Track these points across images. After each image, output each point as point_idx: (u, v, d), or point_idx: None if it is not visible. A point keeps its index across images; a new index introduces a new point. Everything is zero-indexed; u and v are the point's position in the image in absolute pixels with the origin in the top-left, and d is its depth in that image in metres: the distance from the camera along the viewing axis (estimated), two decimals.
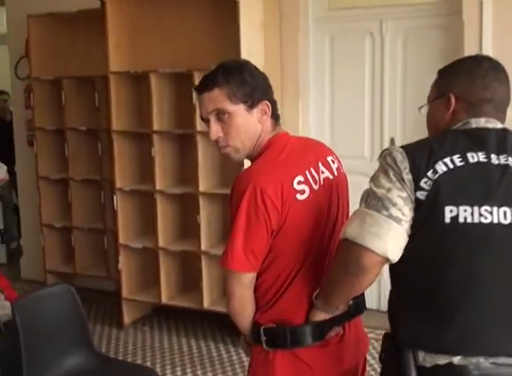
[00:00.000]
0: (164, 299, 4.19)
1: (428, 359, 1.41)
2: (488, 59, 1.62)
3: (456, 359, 1.39)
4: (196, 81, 3.78)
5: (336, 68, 4.29)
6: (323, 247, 1.69)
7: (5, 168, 4.47)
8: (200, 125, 3.90)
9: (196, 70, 3.86)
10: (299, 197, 1.63)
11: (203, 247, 3.96)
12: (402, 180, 1.44)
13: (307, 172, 1.68)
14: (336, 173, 1.77)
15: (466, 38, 3.78)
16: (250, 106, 1.70)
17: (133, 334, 4.25)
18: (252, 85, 1.70)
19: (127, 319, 4.37)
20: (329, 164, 1.76)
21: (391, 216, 1.41)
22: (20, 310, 2.48)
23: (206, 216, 3.97)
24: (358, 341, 1.79)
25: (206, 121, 1.73)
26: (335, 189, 1.74)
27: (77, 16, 4.52)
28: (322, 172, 1.73)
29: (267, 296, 1.68)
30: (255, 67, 1.78)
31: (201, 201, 3.93)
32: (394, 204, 1.42)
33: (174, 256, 4.22)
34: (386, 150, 1.54)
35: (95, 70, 4.47)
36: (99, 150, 4.66)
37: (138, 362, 3.81)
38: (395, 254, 1.41)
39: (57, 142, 4.89)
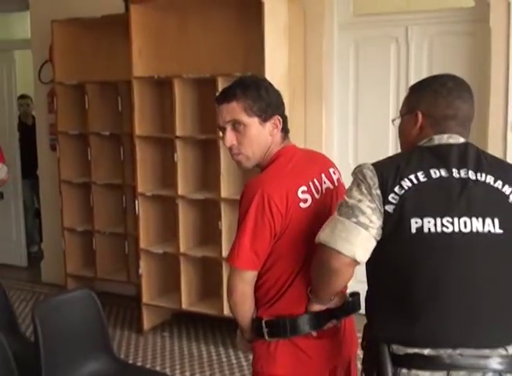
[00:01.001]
0: (185, 305, 4.17)
1: (401, 349, 1.58)
2: (453, 78, 1.75)
3: (426, 351, 1.55)
4: (220, 87, 3.84)
5: (360, 74, 4.26)
6: None
7: (5, 168, 4.50)
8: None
9: (220, 76, 3.85)
10: (302, 205, 1.80)
11: (224, 253, 3.93)
12: (371, 194, 1.60)
13: (310, 183, 1.85)
14: (336, 183, 1.95)
15: (493, 45, 3.73)
16: (264, 120, 1.87)
17: (152, 340, 4.23)
18: (267, 101, 1.86)
19: (147, 324, 4.36)
20: (330, 175, 1.94)
21: (359, 223, 1.57)
22: (40, 314, 2.47)
23: (227, 222, 3.94)
24: (351, 338, 1.96)
25: (222, 129, 1.91)
26: (335, 198, 1.89)
27: (101, 21, 4.54)
28: (325, 182, 1.90)
29: (269, 294, 1.84)
30: (270, 84, 1.95)
31: (223, 207, 3.91)
32: (364, 213, 1.58)
33: (195, 262, 4.20)
34: (358, 166, 1.68)
35: (119, 75, 4.48)
36: (122, 154, 4.66)
37: (157, 368, 3.80)
38: (363, 256, 1.58)
39: (80, 147, 4.90)
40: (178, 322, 4.49)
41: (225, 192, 3.90)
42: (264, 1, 3.61)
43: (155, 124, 4.33)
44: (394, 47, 4.14)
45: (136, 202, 4.26)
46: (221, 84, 3.84)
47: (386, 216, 1.58)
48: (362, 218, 1.57)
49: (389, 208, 1.58)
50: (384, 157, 1.72)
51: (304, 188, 1.82)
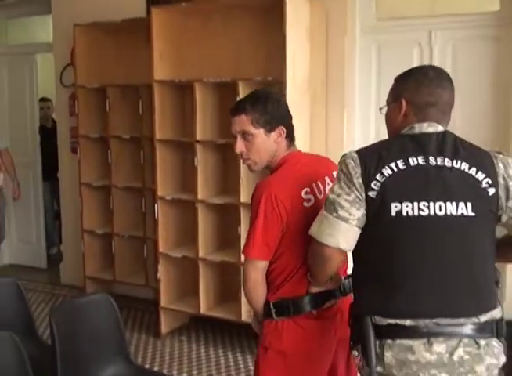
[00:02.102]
0: (203, 310, 4.15)
1: (382, 320, 1.74)
2: (434, 68, 1.91)
3: (407, 322, 1.71)
4: (241, 91, 3.83)
5: (383, 79, 4.20)
6: None
7: (1, 176, 4.54)
8: None
9: (241, 80, 3.83)
10: (305, 204, 2.06)
11: (243, 258, 3.90)
12: (351, 185, 1.77)
13: (313, 184, 2.10)
14: None
15: None
16: (269, 131, 2.13)
17: (170, 344, 4.22)
18: (272, 114, 2.12)
19: (164, 328, 4.35)
20: (334, 177, 2.06)
21: (339, 217, 1.76)
22: (57, 318, 2.46)
23: (246, 227, 3.87)
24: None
25: (234, 136, 2.19)
26: None
27: (123, 25, 4.56)
28: (328, 184, 2.14)
29: (277, 281, 2.10)
30: (279, 97, 2.23)
31: (242, 212, 3.88)
32: (342, 207, 1.76)
33: (214, 267, 4.18)
34: (344, 155, 1.84)
35: (140, 79, 4.49)
36: (142, 158, 4.66)
37: (174, 373, 3.79)
38: (347, 245, 1.79)
39: (100, 150, 4.92)
40: (195, 326, 4.48)
41: (244, 196, 3.87)
42: (286, 5, 3.58)
43: (175, 128, 4.33)
44: (417, 51, 4.09)
45: (156, 206, 4.26)
46: (241, 89, 3.83)
47: (369, 201, 1.75)
48: (341, 212, 1.76)
49: (372, 194, 1.74)
50: None
51: (307, 189, 2.08)
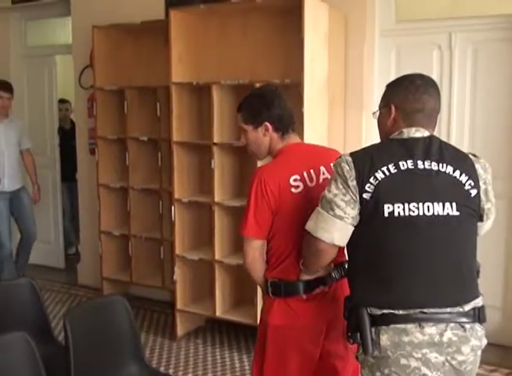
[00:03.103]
0: (218, 313, 4.14)
1: (377, 311, 1.89)
2: (421, 77, 2.04)
3: (400, 312, 1.86)
4: None
5: None
6: None
7: None
8: None
9: (258, 82, 3.81)
10: (293, 190, 2.24)
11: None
12: (347, 186, 1.91)
13: (304, 173, 2.27)
14: None
15: None
16: (255, 127, 2.36)
17: (185, 347, 4.21)
18: (256, 112, 2.34)
19: (180, 330, 4.34)
20: (331, 168, 2.12)
21: (335, 215, 1.91)
22: (72, 320, 2.45)
23: None
24: (340, 299, 2.20)
25: None
26: None
27: (141, 27, 4.57)
28: (323, 174, 2.30)
29: (272, 260, 2.31)
30: (268, 94, 2.39)
31: None
32: (338, 206, 1.90)
33: (230, 269, 4.17)
34: (339, 157, 1.99)
35: (158, 81, 4.50)
36: (159, 160, 4.67)
37: None
38: (340, 241, 1.95)
39: (118, 151, 4.94)
40: (211, 329, 4.47)
41: None
42: (304, 8, 3.56)
43: (193, 130, 4.32)
44: (437, 54, 4.05)
45: (172, 208, 4.25)
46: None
47: (363, 203, 1.89)
48: (337, 211, 1.90)
49: (366, 196, 1.88)
50: None
51: (296, 177, 2.25)
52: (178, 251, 4.27)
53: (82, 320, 2.55)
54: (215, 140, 4.02)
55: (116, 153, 4.96)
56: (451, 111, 4.05)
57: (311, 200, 2.15)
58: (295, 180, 2.24)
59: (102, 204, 4.98)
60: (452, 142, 3.99)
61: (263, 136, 2.36)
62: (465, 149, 3.93)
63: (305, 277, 2.25)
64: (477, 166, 1.97)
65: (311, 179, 2.28)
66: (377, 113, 2.11)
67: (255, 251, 2.29)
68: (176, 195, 4.24)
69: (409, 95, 1.98)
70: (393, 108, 2.01)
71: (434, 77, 3.95)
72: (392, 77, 4.10)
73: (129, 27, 4.65)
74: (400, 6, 4.15)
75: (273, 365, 2.32)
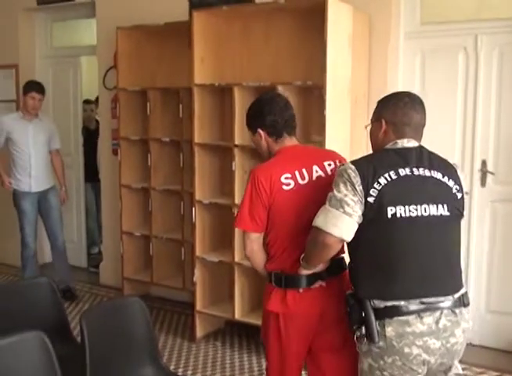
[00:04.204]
0: (237, 315, 4.12)
1: (381, 304, 2.11)
2: (409, 94, 2.28)
3: (401, 303, 2.08)
4: None
5: (426, 85, 4.11)
6: (309, 223, 2.25)
7: None
8: None
9: (280, 84, 3.80)
10: (285, 187, 2.39)
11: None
12: (355, 189, 2.10)
13: (296, 171, 2.43)
14: (330, 173, 2.47)
15: None
16: (253, 133, 2.59)
17: (204, 349, 4.20)
18: (250, 120, 2.60)
19: (199, 332, 4.34)
20: (324, 166, 2.48)
21: (345, 212, 2.09)
22: (88, 320, 2.46)
23: None
24: (336, 293, 2.43)
25: None
26: (328, 184, 2.29)
27: (165, 28, 4.57)
28: (316, 172, 2.46)
29: (271, 251, 2.47)
30: (266, 103, 2.55)
31: None
32: (348, 205, 2.09)
33: (249, 272, 4.13)
34: (342, 165, 2.20)
35: (181, 82, 4.50)
36: (181, 161, 4.66)
37: None
38: (348, 236, 2.11)
39: (140, 152, 4.96)
40: (230, 331, 4.45)
41: None
42: (327, 10, 3.53)
43: (214, 132, 4.32)
44: (462, 57, 3.99)
45: (193, 209, 4.25)
46: (281, 93, 3.79)
47: (368, 206, 2.09)
48: (347, 209, 2.09)
49: (371, 200, 2.09)
50: None
51: (287, 175, 2.40)
52: (198, 252, 4.27)
53: (99, 321, 2.55)
54: (236, 142, 4.00)
55: (138, 153, 4.98)
56: (476, 114, 3.98)
57: (304, 197, 2.39)
58: (286, 178, 2.40)
59: (124, 205, 5.01)
60: (477, 145, 4.00)
61: (260, 140, 2.57)
62: (491, 151, 3.94)
63: (304, 272, 2.38)
64: (459, 173, 2.26)
65: (302, 177, 2.43)
66: (369, 127, 2.35)
67: (253, 243, 2.46)
68: (197, 196, 4.23)
69: (397, 111, 2.23)
70: (384, 122, 2.25)
71: (460, 79, 3.99)
72: (417, 80, 4.15)
73: (153, 28, 4.66)
74: (425, 8, 4.09)
75: (274, 346, 2.50)
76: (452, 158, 3.93)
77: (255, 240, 2.46)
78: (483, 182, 4.04)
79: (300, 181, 2.42)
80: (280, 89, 3.72)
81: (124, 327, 2.64)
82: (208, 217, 4.32)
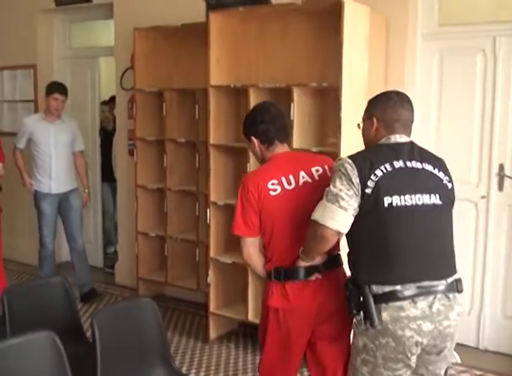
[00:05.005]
0: (251, 317, 4.11)
1: (380, 288, 2.23)
2: (397, 93, 2.44)
3: (398, 287, 2.21)
4: (295, 97, 3.77)
5: (444, 87, 4.07)
6: (300, 224, 2.46)
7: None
8: (295, 142, 3.82)
9: (296, 86, 3.79)
10: (272, 193, 2.53)
11: None
12: (351, 183, 2.23)
13: (282, 177, 2.56)
14: (317, 178, 2.60)
15: None
16: (249, 140, 2.73)
17: (217, 350, 4.20)
18: (245, 128, 2.75)
19: (212, 333, 4.33)
20: (311, 172, 2.61)
21: (340, 207, 2.22)
22: (99, 321, 2.46)
23: None
24: (332, 286, 2.57)
25: None
26: (314, 189, 2.51)
27: (182, 29, 4.58)
28: (303, 177, 2.59)
29: (268, 253, 2.61)
30: (259, 112, 2.73)
31: None
32: (343, 199, 2.22)
33: None
34: (339, 160, 2.32)
35: (197, 83, 4.49)
36: (197, 162, 4.66)
37: None
38: (344, 229, 2.24)
39: (156, 153, 4.97)
40: (244, 333, 4.45)
41: None
42: (344, 11, 3.51)
43: (230, 133, 4.31)
44: (480, 59, 3.94)
45: (208, 211, 4.25)
46: (296, 95, 3.79)
47: (366, 197, 2.22)
48: (342, 203, 2.21)
49: (368, 191, 2.21)
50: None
51: (274, 181, 2.54)
52: (212, 253, 4.27)
53: (110, 321, 2.56)
54: None
55: (154, 154, 5.00)
56: (494, 116, 3.93)
57: (291, 201, 2.53)
58: (273, 184, 2.54)
59: (140, 205, 5.02)
60: (495, 149, 3.96)
61: (254, 147, 2.73)
62: (509, 155, 3.89)
63: (302, 264, 2.51)
64: (447, 166, 2.42)
65: (289, 183, 2.56)
66: (361, 125, 2.50)
67: (249, 247, 2.60)
68: (212, 198, 4.23)
69: (387, 109, 2.38)
70: (375, 120, 2.40)
71: (478, 81, 3.95)
72: (435, 82, 4.11)
73: (170, 29, 4.66)
74: (443, 9, 4.05)
75: (274, 340, 2.62)
76: (470, 161, 4.01)
77: (251, 244, 2.60)
78: (500, 187, 3.98)
79: (286, 186, 2.55)
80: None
81: (135, 327, 2.64)
82: (223, 218, 4.31)
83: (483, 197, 4.02)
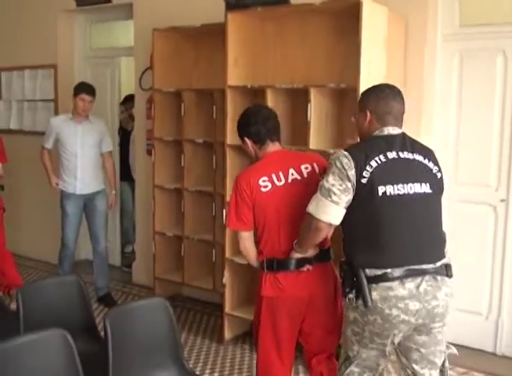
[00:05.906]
0: None
1: (372, 271, 2.36)
2: (389, 86, 2.57)
3: (389, 270, 2.34)
4: (312, 97, 3.75)
5: (464, 88, 4.02)
6: (288, 218, 2.69)
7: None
8: (312, 143, 3.80)
9: (313, 87, 3.77)
10: (263, 189, 2.72)
11: None
12: (345, 176, 2.36)
13: (273, 174, 2.74)
14: (305, 175, 2.77)
15: None
16: (242, 141, 2.93)
17: (232, 351, 4.19)
18: (239, 128, 2.93)
19: (227, 334, 4.33)
20: (301, 169, 2.78)
21: (332, 201, 2.37)
22: (112, 320, 2.47)
23: None
24: (322, 278, 2.78)
25: None
26: (302, 185, 2.73)
27: (201, 30, 4.58)
28: (292, 174, 2.76)
29: (260, 245, 2.79)
30: (251, 114, 2.92)
31: None
32: (335, 194, 2.37)
33: None
34: (336, 153, 2.44)
35: (216, 84, 4.49)
36: (214, 162, 4.66)
37: None
38: (336, 221, 2.41)
39: (174, 153, 4.98)
40: None
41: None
42: (362, 12, 3.48)
43: None
44: (501, 60, 3.88)
45: (224, 211, 4.24)
46: (313, 96, 3.77)
47: (361, 186, 2.35)
48: (334, 198, 2.37)
49: (364, 181, 2.35)
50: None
51: (265, 178, 2.72)
52: (227, 254, 4.26)
53: (123, 320, 2.56)
54: None
55: (172, 154, 5.00)
56: None
57: (281, 197, 2.71)
58: (264, 181, 2.72)
59: (157, 205, 5.03)
60: None
61: (248, 147, 2.91)
62: None
63: (296, 255, 2.69)
64: (437, 157, 2.54)
65: (279, 179, 2.74)
66: (354, 118, 2.64)
67: (244, 241, 2.81)
68: (227, 198, 4.22)
69: (380, 101, 2.50)
70: (368, 112, 2.52)
71: (498, 83, 3.89)
72: (454, 83, 4.06)
73: (189, 29, 4.67)
74: (464, 10, 4.00)
75: (267, 328, 2.78)
76: (489, 164, 3.94)
77: (246, 237, 2.80)
78: None
79: (276, 182, 2.74)
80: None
81: (148, 327, 2.64)
82: None
83: (502, 201, 3.96)
